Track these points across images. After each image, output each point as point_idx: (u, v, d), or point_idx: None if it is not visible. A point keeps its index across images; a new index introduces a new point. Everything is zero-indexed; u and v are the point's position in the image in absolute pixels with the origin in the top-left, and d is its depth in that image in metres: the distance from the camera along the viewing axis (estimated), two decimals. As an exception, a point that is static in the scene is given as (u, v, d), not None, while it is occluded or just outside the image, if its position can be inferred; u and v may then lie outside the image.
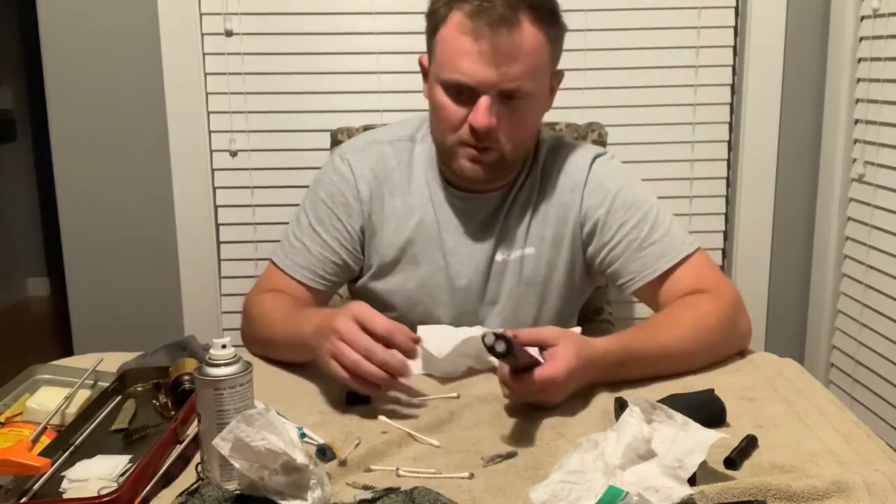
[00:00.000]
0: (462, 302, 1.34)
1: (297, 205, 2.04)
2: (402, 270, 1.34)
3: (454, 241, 1.32)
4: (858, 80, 1.99)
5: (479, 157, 1.22)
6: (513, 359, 0.97)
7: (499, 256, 1.33)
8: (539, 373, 0.99)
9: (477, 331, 1.15)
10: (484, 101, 1.18)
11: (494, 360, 1.04)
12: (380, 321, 1.03)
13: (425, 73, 1.30)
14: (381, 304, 1.35)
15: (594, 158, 1.33)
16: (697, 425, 0.85)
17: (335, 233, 1.33)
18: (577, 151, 1.35)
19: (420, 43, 2.03)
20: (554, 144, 1.36)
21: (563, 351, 1.01)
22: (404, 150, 1.35)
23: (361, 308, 1.05)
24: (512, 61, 1.17)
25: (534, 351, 1.02)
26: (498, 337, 0.93)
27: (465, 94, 1.19)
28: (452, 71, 1.19)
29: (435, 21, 1.22)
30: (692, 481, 0.83)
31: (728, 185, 2.19)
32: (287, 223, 2.05)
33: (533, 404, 1.05)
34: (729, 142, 2.17)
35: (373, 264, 1.35)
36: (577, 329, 1.16)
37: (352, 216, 1.33)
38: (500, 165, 1.25)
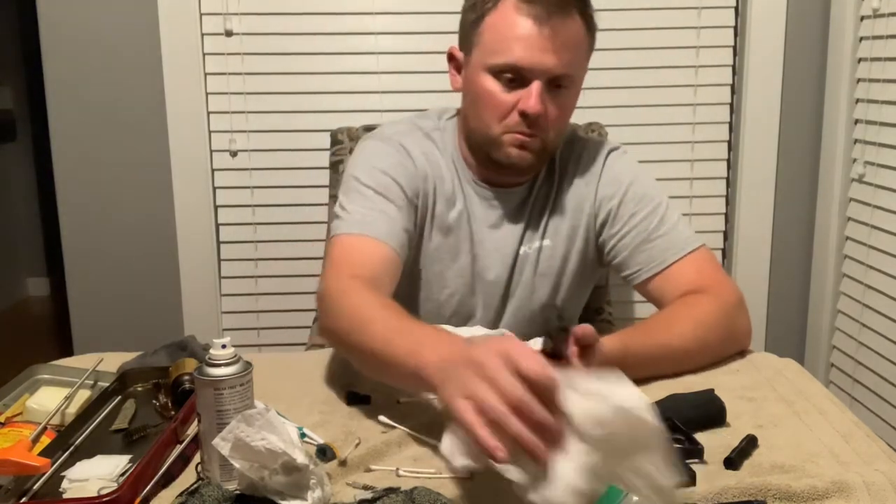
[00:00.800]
0: (489, 294, 1.35)
1: (298, 205, 2.08)
2: (442, 260, 1.34)
3: (482, 234, 1.33)
4: (858, 80, 1.99)
5: (527, 142, 1.23)
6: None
7: (522, 250, 1.34)
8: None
9: (477, 330, 1.14)
10: (536, 86, 1.19)
11: None
12: (538, 364, 0.72)
13: (457, 64, 1.30)
14: (425, 292, 1.35)
15: (609, 152, 1.35)
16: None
17: (402, 202, 1.26)
18: (592, 145, 1.37)
19: (420, 42, 2.05)
20: (569, 138, 1.38)
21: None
22: (441, 143, 1.35)
23: (513, 342, 0.77)
24: (565, 48, 1.19)
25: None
26: (562, 329, 0.93)
27: (515, 80, 1.20)
28: (506, 54, 1.19)
29: (481, 10, 1.22)
30: (692, 481, 0.83)
31: (728, 185, 2.19)
32: (286, 223, 2.09)
33: None
34: (729, 142, 2.17)
35: (419, 248, 1.34)
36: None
37: (412, 189, 1.29)
38: (542, 154, 1.26)
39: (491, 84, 1.22)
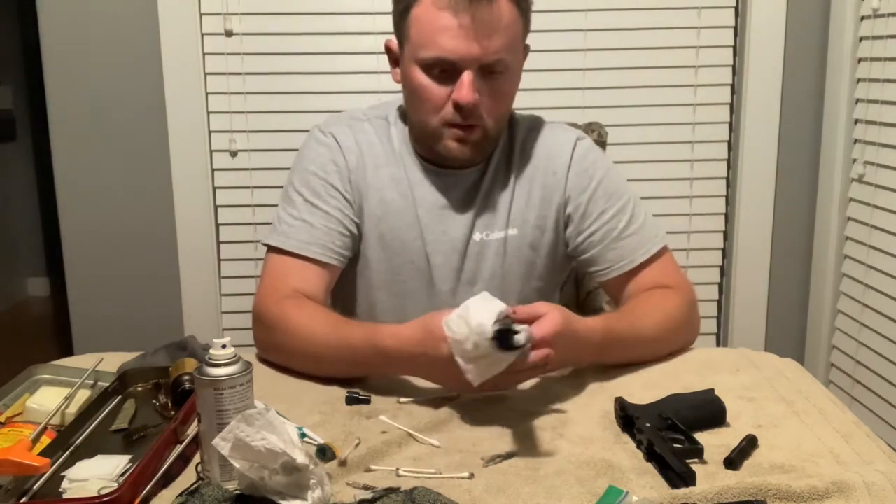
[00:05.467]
0: (438, 280, 1.32)
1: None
2: (382, 246, 1.32)
3: (429, 217, 1.31)
4: (858, 80, 1.99)
5: (464, 136, 1.23)
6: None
7: (476, 236, 1.32)
8: (532, 330, 0.97)
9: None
10: (467, 76, 1.17)
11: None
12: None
13: (395, 57, 1.29)
14: (365, 281, 1.35)
15: (577, 141, 1.34)
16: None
17: (334, 202, 1.29)
18: (558, 133, 1.36)
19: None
20: (532, 125, 1.36)
21: (550, 315, 1.01)
22: (382, 128, 1.34)
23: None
24: (492, 34, 1.16)
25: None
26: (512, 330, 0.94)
27: (446, 71, 1.19)
28: (433, 48, 1.17)
29: (406, 2, 1.21)
30: (692, 481, 0.83)
31: (728, 185, 2.19)
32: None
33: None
34: (729, 142, 2.17)
35: (361, 238, 1.33)
36: None
37: (345, 183, 1.31)
38: (484, 142, 1.26)
39: (423, 78, 1.20)
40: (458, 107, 1.19)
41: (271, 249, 1.30)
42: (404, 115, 1.34)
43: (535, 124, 1.36)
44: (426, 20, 1.18)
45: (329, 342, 1.14)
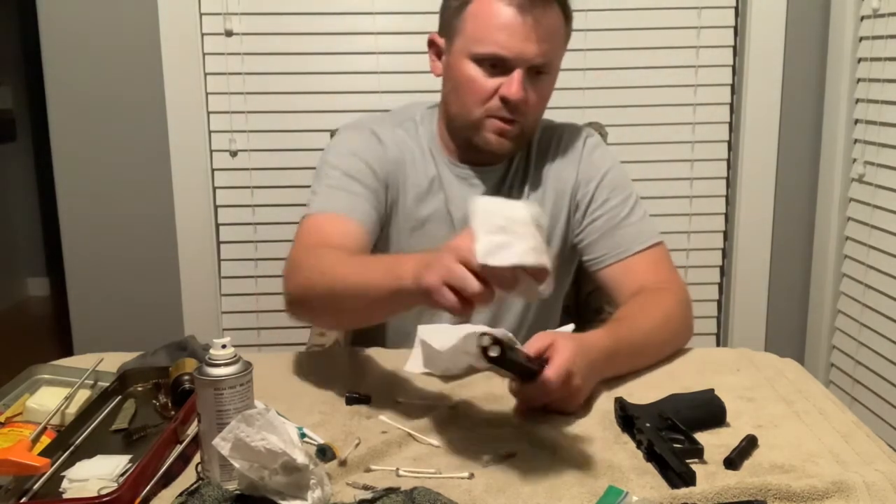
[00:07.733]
0: None
1: (298, 205, 2.08)
2: (418, 245, 1.34)
3: (460, 213, 1.34)
4: (858, 80, 1.99)
5: (506, 129, 1.26)
6: (510, 364, 0.95)
7: None
8: (546, 374, 0.98)
9: (479, 328, 1.13)
10: (518, 73, 1.21)
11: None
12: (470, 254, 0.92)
13: (438, 50, 1.32)
14: None
15: (587, 137, 1.40)
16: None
17: (370, 181, 1.29)
18: (571, 131, 1.41)
19: (420, 42, 2.03)
20: (547, 124, 1.41)
21: (560, 348, 1.01)
22: (413, 131, 1.37)
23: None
24: (546, 37, 1.22)
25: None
26: (495, 341, 0.91)
27: (496, 66, 1.22)
28: (490, 44, 1.21)
29: None
30: (692, 481, 0.83)
31: (728, 185, 2.19)
32: (286, 223, 2.09)
33: (551, 409, 1.03)
34: (729, 142, 2.17)
35: (391, 234, 1.35)
36: (570, 326, 1.16)
37: (383, 164, 1.32)
38: (520, 138, 1.30)
39: (473, 70, 1.24)
40: (505, 101, 1.23)
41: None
42: (434, 114, 1.37)
43: (549, 123, 1.42)
44: (485, 16, 1.22)
45: (349, 272, 1.09)
